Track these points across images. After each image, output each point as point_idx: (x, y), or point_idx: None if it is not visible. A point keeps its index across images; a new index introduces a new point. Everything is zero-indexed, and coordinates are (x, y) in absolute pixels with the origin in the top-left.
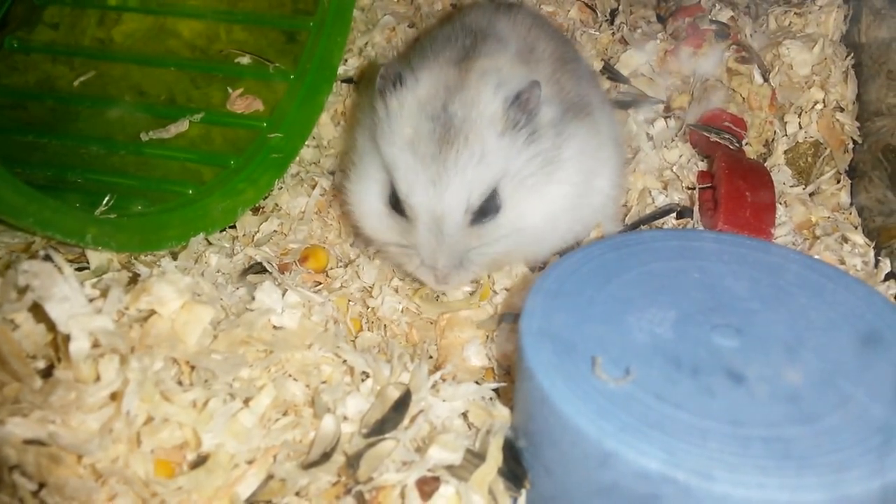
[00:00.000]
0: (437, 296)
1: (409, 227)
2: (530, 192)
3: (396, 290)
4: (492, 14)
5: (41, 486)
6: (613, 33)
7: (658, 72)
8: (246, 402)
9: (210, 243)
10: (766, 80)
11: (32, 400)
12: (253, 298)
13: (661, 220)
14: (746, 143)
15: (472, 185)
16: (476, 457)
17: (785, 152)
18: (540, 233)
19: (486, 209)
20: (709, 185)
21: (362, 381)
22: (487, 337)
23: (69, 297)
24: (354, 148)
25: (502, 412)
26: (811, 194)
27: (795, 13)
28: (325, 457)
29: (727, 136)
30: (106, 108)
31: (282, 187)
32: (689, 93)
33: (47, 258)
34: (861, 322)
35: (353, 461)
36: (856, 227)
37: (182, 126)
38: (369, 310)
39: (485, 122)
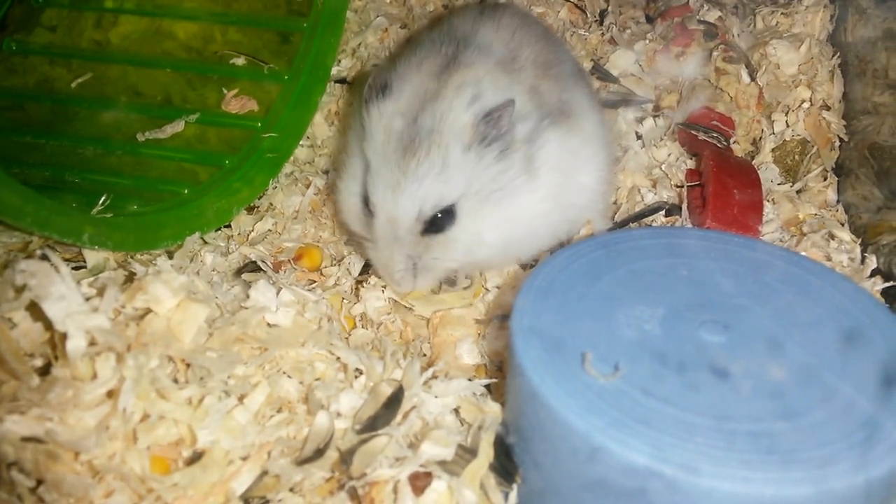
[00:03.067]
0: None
1: (372, 224)
2: (493, 210)
3: (383, 290)
4: (477, 19)
5: (39, 482)
6: (603, 34)
7: (647, 71)
8: (241, 399)
9: (205, 242)
10: (753, 79)
11: (30, 397)
12: (247, 297)
13: (650, 218)
14: (734, 142)
15: (427, 195)
16: (468, 452)
17: (772, 150)
18: (498, 250)
19: (439, 222)
20: (697, 183)
21: (355, 377)
22: (479, 334)
23: (66, 295)
24: (346, 146)
25: (493, 408)
26: (798, 192)
27: (782, 13)
28: (319, 453)
29: (715, 135)
30: (103, 109)
31: (276, 187)
32: (677, 92)
33: (44, 257)
34: (846, 318)
35: (346, 457)
36: (842, 224)
37: (178, 126)
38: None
39: (451, 135)
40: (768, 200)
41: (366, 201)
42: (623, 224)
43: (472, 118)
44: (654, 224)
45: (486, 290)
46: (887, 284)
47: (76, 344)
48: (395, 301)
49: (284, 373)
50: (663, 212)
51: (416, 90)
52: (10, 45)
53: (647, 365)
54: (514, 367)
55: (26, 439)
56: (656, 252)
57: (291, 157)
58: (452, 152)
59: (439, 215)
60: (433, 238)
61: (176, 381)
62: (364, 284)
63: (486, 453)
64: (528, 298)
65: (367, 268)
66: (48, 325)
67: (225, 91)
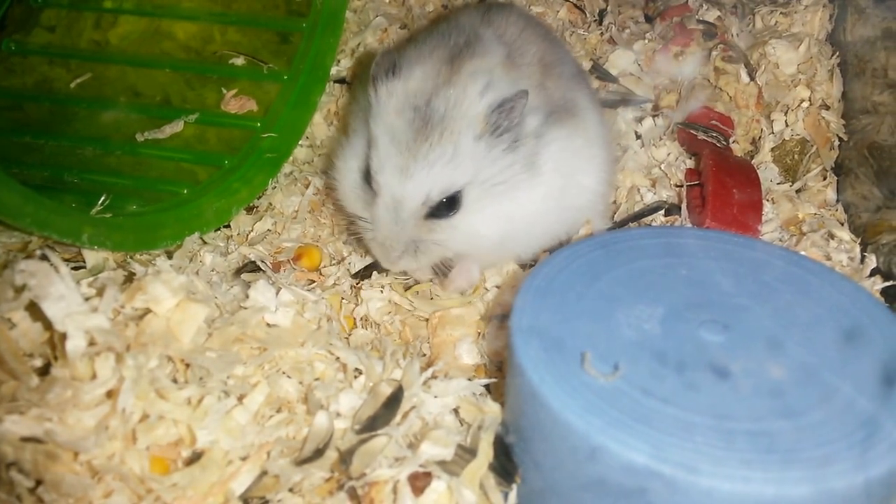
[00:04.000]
0: (431, 296)
1: (373, 202)
2: (497, 201)
3: (382, 289)
4: (485, 15)
5: (38, 483)
6: (602, 33)
7: (646, 71)
8: (240, 399)
9: (205, 242)
10: (752, 78)
11: (29, 398)
12: (247, 297)
13: (650, 218)
14: (734, 142)
15: (436, 180)
16: (467, 452)
17: (772, 150)
18: (498, 241)
19: (444, 208)
20: (696, 182)
21: (355, 377)
22: (479, 334)
23: (65, 295)
24: (347, 128)
25: (493, 408)
26: (798, 191)
27: (781, 13)
28: (319, 453)
29: (714, 135)
30: (102, 109)
31: (275, 187)
32: (676, 92)
33: (44, 257)
34: (845, 317)
35: (345, 457)
36: (842, 224)
37: (177, 126)
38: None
39: (464, 122)
40: (768, 200)
41: (367, 179)
42: (622, 224)
43: (486, 108)
44: (653, 224)
45: (486, 289)
46: (887, 284)
47: (75, 344)
48: (396, 301)
49: (284, 373)
50: (662, 211)
51: (427, 73)
52: (8, 45)
53: (647, 364)
54: (514, 366)
55: (25, 439)
56: (655, 252)
57: (291, 158)
58: (464, 140)
59: (444, 200)
60: (435, 223)
61: (175, 381)
62: (363, 285)
63: (486, 453)
64: (527, 298)
65: (364, 270)
66: (48, 325)
67: (224, 91)
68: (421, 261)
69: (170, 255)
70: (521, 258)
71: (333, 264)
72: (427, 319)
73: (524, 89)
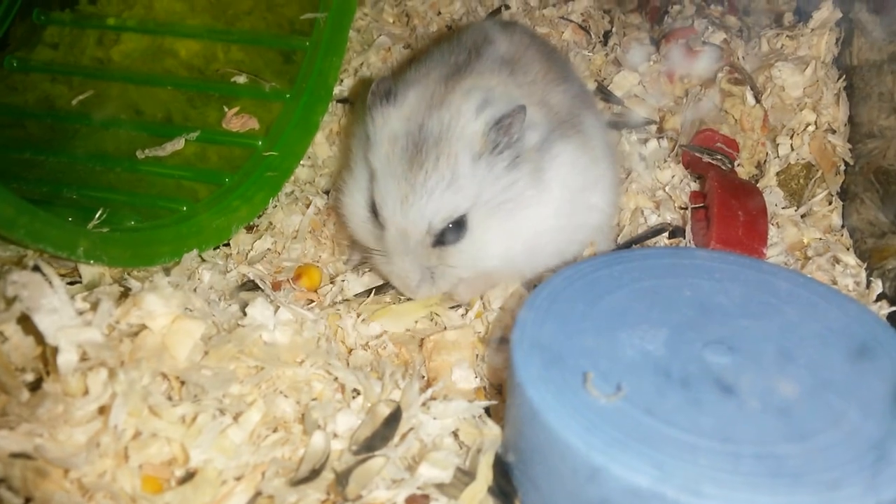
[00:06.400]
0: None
1: (382, 234)
2: (503, 221)
3: (359, 315)
4: (489, 32)
5: (27, 500)
6: (607, 55)
7: (651, 93)
8: (235, 417)
9: (203, 260)
10: (758, 101)
11: (19, 413)
12: (245, 314)
13: (654, 240)
14: (738, 165)
15: (437, 208)
16: (466, 475)
17: (777, 174)
18: (507, 262)
19: (450, 233)
20: (701, 205)
21: (353, 398)
22: (477, 356)
23: (58, 308)
24: (351, 156)
25: (493, 430)
26: (803, 216)
27: (787, 36)
28: (315, 474)
29: (720, 157)
30: (103, 126)
31: (276, 206)
32: (681, 112)
33: (36, 269)
34: (852, 338)
35: (342, 478)
36: (847, 249)
37: (178, 144)
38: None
39: (461, 143)
40: (773, 224)
41: (374, 212)
42: (626, 246)
43: (483, 126)
44: (657, 246)
45: (487, 308)
46: (893, 309)
47: (67, 358)
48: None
49: (281, 392)
50: (667, 234)
51: (421, 96)
52: (11, 62)
53: (650, 384)
54: (514, 384)
55: (15, 455)
56: (660, 272)
57: (292, 177)
58: (462, 161)
59: (450, 226)
60: (444, 249)
61: (170, 398)
62: (342, 317)
63: (485, 476)
64: (529, 314)
65: (367, 293)
66: (40, 339)
67: (226, 109)
68: (440, 286)
69: (167, 272)
70: (528, 276)
71: (332, 284)
72: (421, 343)
73: (522, 105)
